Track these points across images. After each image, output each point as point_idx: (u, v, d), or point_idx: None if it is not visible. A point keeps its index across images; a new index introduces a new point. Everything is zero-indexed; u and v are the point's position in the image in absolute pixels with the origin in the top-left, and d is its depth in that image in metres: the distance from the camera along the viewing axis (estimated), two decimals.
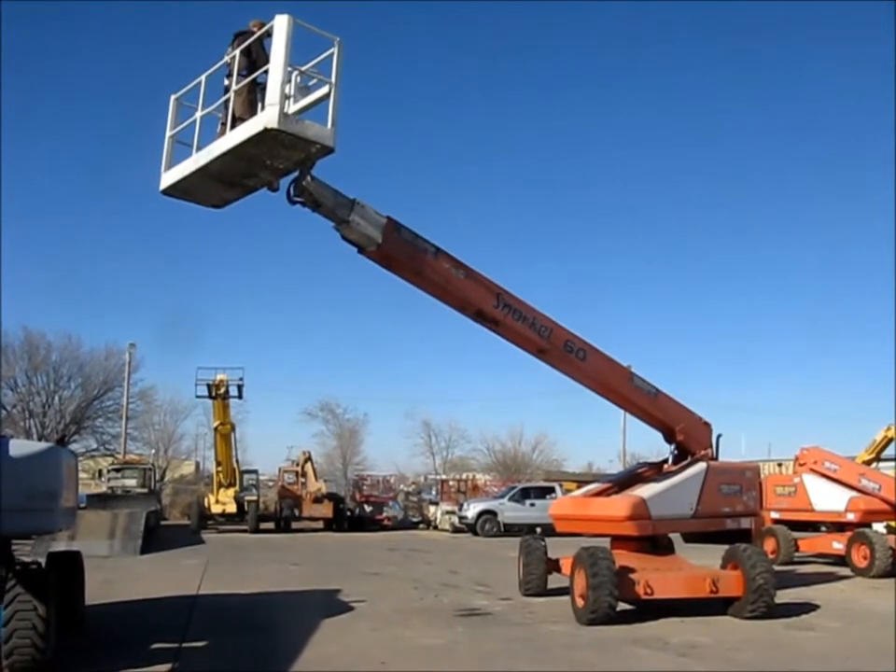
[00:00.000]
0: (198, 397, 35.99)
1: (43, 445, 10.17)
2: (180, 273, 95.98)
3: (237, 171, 10.63)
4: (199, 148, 10.72)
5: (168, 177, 11.09)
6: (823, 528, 26.21)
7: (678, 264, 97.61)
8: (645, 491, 13.93)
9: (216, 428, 35.73)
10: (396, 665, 9.62)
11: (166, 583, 16.58)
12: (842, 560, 20.78)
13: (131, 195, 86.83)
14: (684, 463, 14.80)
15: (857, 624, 12.98)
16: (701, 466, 14.57)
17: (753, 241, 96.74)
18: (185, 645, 10.52)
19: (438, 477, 51.48)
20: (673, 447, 15.10)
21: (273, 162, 10.39)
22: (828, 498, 21.61)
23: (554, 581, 15.24)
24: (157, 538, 27.93)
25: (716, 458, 15.24)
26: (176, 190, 11.18)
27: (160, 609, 13.50)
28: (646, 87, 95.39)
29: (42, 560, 10.60)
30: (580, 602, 12.74)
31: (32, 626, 8.48)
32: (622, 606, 12.62)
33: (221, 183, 10.91)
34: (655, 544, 14.41)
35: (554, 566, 15.36)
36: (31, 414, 47.77)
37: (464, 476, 52.11)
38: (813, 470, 22.38)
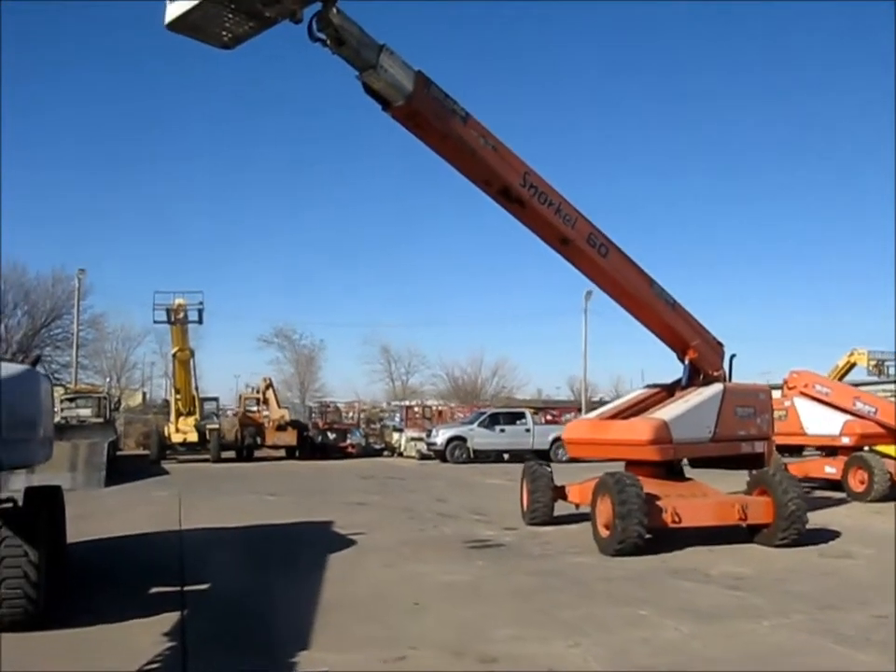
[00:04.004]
0: (156, 322, 34.40)
1: (19, 367, 8.87)
2: (130, 195, 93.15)
3: None
4: None
5: (175, 8, 9.38)
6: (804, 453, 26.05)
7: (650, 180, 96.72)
8: (666, 413, 13.09)
9: (174, 355, 34.33)
10: (431, 605, 8.66)
11: (143, 518, 15.42)
12: (832, 484, 20.36)
13: (78, 99, 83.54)
14: (700, 384, 14.04)
15: (890, 551, 12.32)
16: (718, 387, 13.82)
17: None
18: (187, 588, 9.42)
19: (401, 403, 50.66)
20: (686, 366, 14.26)
21: None
22: (821, 422, 21.03)
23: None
24: (117, 469, 26.57)
25: (729, 380, 14.49)
26: (184, 25, 9.50)
27: (147, 548, 12.32)
28: None
29: (13, 496, 9.42)
30: (604, 532, 11.91)
31: (23, 574, 7.29)
32: None
33: (237, 13, 9.35)
34: (671, 470, 13.66)
35: (560, 493, 14.56)
36: None
37: (413, 403, 51.34)
38: (804, 394, 21.78)
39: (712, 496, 13.21)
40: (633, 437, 12.86)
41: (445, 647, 7.10)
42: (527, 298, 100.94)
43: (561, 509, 14.65)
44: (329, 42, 9.78)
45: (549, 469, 14.82)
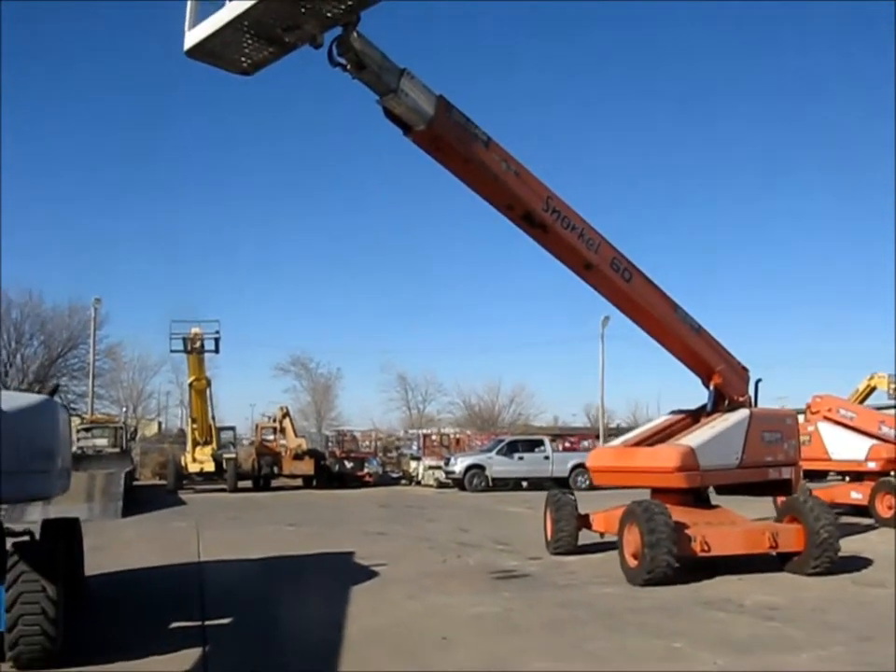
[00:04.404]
0: (173, 351, 34.20)
1: (38, 397, 8.72)
2: (145, 223, 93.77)
3: (279, 19, 9.00)
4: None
5: (195, 34, 9.25)
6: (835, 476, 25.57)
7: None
8: (692, 440, 12.83)
9: (191, 384, 34.05)
10: (460, 639, 8.42)
11: (161, 550, 15.23)
12: (859, 510, 19.98)
13: (92, 126, 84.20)
14: (725, 410, 13.78)
15: None
16: (744, 413, 13.54)
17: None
18: (208, 623, 9.21)
19: (418, 432, 50.39)
20: (711, 392, 14.00)
21: (322, 7, 8.86)
22: (846, 447, 20.70)
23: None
24: (134, 499, 26.41)
25: (755, 405, 14.22)
26: (203, 52, 9.37)
27: (165, 580, 12.14)
28: None
29: (29, 528, 9.28)
30: (632, 561, 11.65)
31: (41, 611, 7.11)
32: None
33: (257, 38, 9.21)
34: (697, 497, 13.38)
35: (585, 522, 14.31)
36: None
37: (431, 431, 51.03)
38: (827, 418, 21.45)
39: (741, 523, 12.94)
40: (659, 464, 12.62)
41: None
42: (543, 325, 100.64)
43: (584, 538, 14.40)
44: (349, 67, 9.67)
45: (573, 498, 14.57)
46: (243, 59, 9.73)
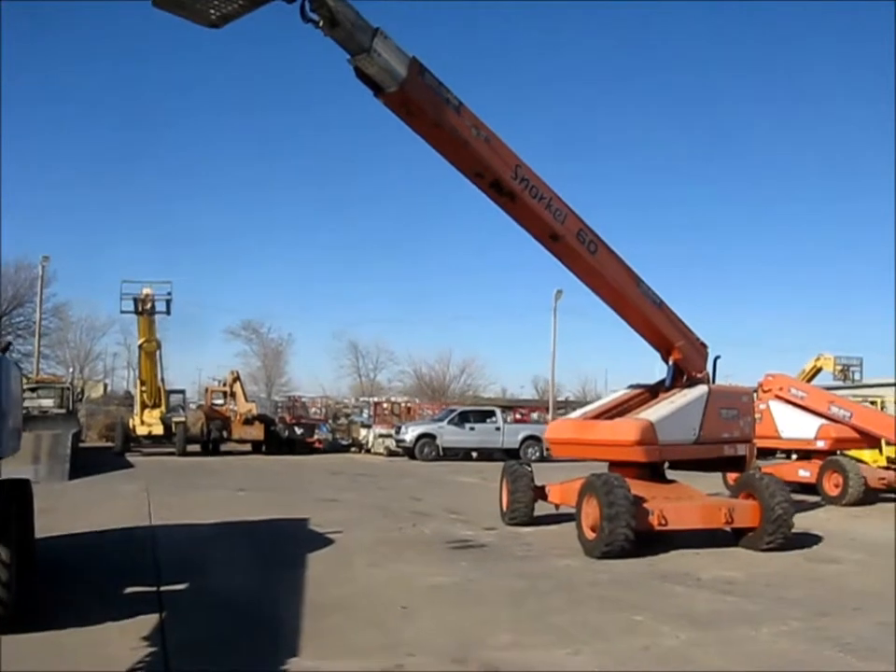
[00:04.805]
0: (123, 312, 33.51)
1: None
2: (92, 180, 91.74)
3: None
4: None
5: None
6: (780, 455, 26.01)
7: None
8: (652, 414, 12.86)
9: (140, 346, 33.56)
10: (421, 609, 8.35)
11: (111, 513, 14.91)
12: (806, 488, 20.34)
13: (49, 91, 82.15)
14: (684, 385, 13.85)
15: (877, 557, 12.23)
16: (703, 388, 13.60)
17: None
18: (164, 589, 9.02)
19: (369, 399, 50.27)
20: (670, 367, 14.06)
21: None
22: (796, 426, 21.00)
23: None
24: (80, 461, 25.90)
25: (713, 381, 14.32)
26: (169, 2, 8.90)
27: (117, 544, 11.86)
28: None
29: None
30: (590, 534, 11.69)
31: None
32: None
33: None
34: (654, 471, 13.46)
35: (541, 493, 14.34)
36: None
37: (382, 399, 51.01)
38: (779, 397, 21.75)
39: (698, 498, 13.05)
40: (619, 437, 12.64)
41: (444, 654, 6.80)
42: (494, 297, 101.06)
43: (539, 509, 14.44)
44: (321, 23, 9.38)
45: (529, 469, 14.59)
46: (211, 10, 9.29)
